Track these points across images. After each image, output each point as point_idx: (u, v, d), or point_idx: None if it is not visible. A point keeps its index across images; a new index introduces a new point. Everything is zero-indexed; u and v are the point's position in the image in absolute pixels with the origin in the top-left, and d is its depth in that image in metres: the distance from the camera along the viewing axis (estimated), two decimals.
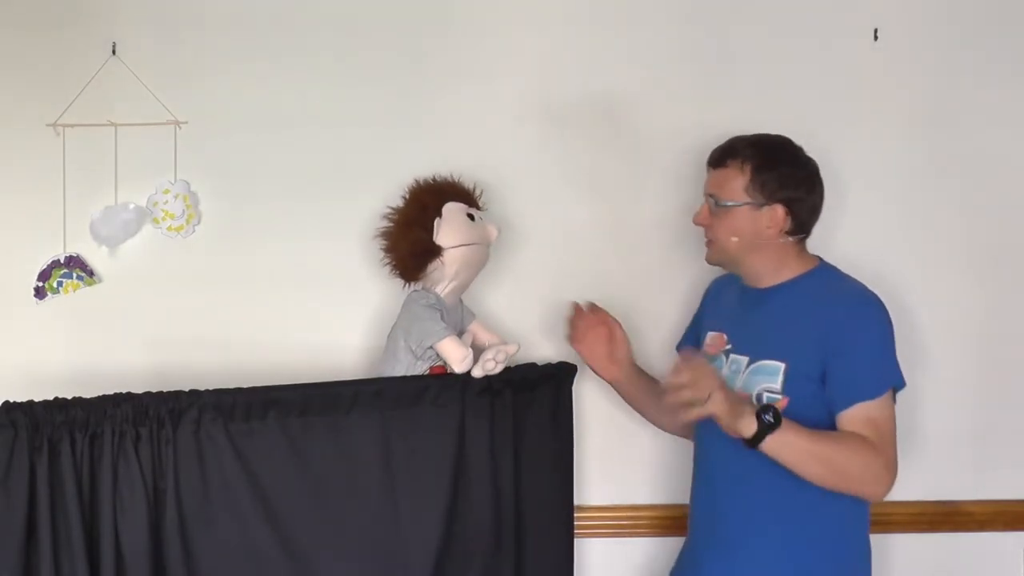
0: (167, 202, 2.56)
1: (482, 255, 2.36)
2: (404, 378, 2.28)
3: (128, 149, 2.55)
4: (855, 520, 2.19)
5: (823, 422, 2.09)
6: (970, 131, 2.66)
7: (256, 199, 2.59)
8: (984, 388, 2.66)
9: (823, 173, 2.63)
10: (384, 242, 2.35)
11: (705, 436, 2.23)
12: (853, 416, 2.07)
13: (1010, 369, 2.67)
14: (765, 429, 2.00)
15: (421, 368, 2.29)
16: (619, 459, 2.56)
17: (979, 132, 2.66)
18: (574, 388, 2.43)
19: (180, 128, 2.56)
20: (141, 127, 2.54)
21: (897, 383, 2.13)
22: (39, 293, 2.55)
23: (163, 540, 2.07)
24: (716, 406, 2.00)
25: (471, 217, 2.34)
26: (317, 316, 2.57)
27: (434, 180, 2.38)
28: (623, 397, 2.43)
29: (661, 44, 2.64)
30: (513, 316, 2.59)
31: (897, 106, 2.65)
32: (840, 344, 2.08)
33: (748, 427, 2.00)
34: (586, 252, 2.62)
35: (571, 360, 2.44)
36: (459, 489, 2.24)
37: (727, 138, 2.27)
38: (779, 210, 2.15)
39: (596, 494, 2.59)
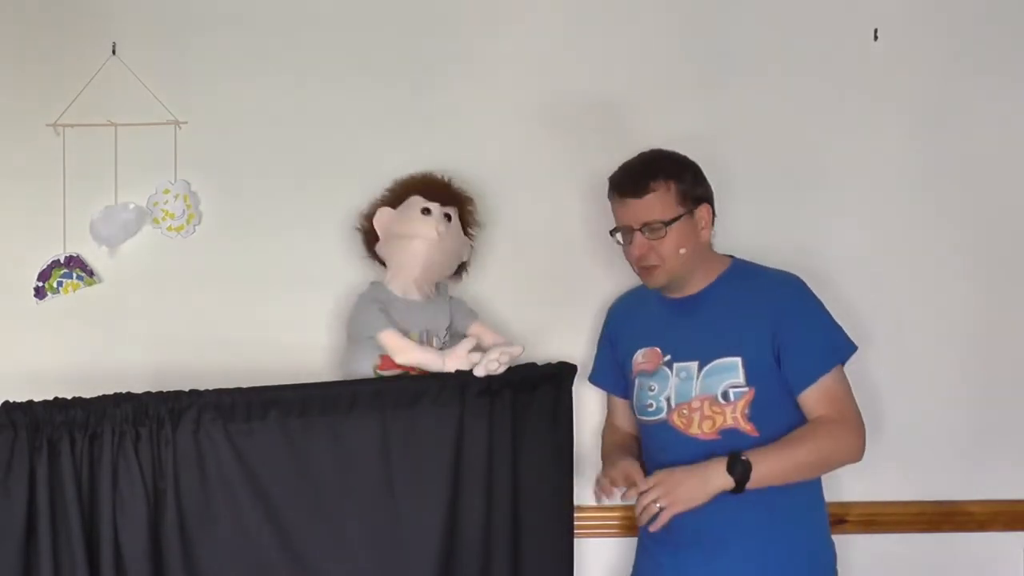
0: (167, 202, 2.56)
1: (428, 251, 2.35)
2: (404, 378, 2.28)
3: (128, 149, 2.55)
4: (821, 517, 2.30)
5: (788, 402, 2.21)
6: (970, 131, 2.66)
7: (256, 199, 2.59)
8: (984, 388, 2.66)
9: (822, 173, 2.66)
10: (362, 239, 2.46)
11: (672, 442, 2.25)
12: (814, 393, 2.19)
13: (1010, 369, 2.67)
14: (743, 478, 2.11)
15: (368, 356, 2.30)
16: None
17: (979, 132, 2.66)
18: (574, 388, 2.43)
19: (180, 128, 2.56)
20: (141, 127, 2.54)
21: (848, 349, 2.25)
22: (39, 293, 2.55)
23: (162, 540, 2.07)
24: (683, 506, 2.13)
25: (427, 211, 2.35)
26: (318, 316, 2.57)
27: (410, 176, 2.45)
28: None
29: (661, 44, 2.64)
30: (512, 316, 2.58)
31: (897, 106, 2.65)
32: (789, 328, 2.20)
33: (726, 485, 2.12)
34: (586, 252, 2.61)
35: (571, 360, 2.43)
36: (458, 489, 2.24)
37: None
38: (704, 208, 2.26)
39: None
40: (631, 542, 2.60)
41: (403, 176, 2.45)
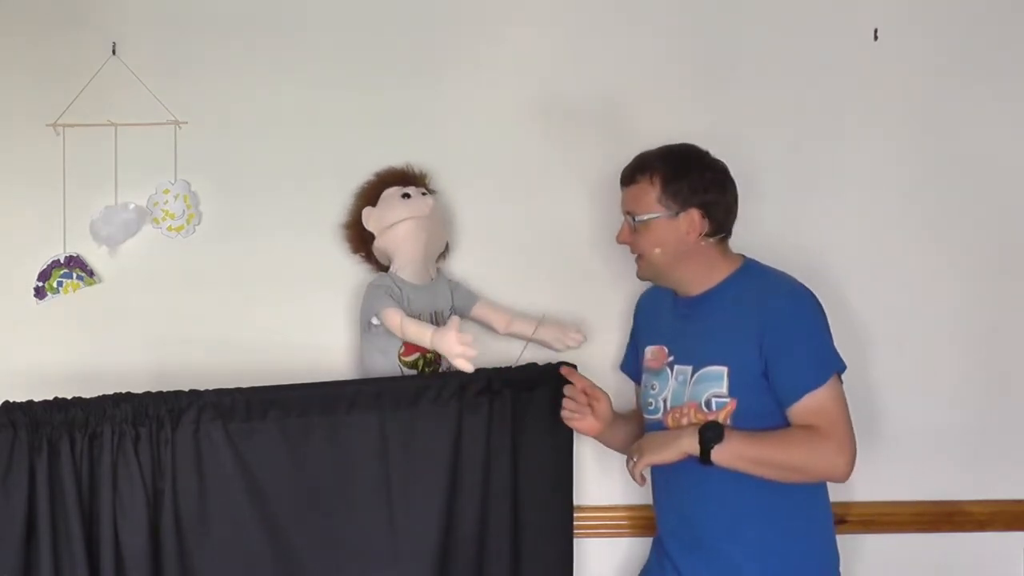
0: (167, 202, 2.56)
1: (423, 228, 2.40)
2: (403, 378, 2.29)
3: (128, 149, 2.55)
4: (826, 520, 2.26)
5: (775, 415, 2.15)
6: (970, 131, 2.65)
7: (256, 199, 2.59)
8: (984, 388, 2.66)
9: (822, 173, 2.65)
10: (347, 245, 2.51)
11: None
12: (801, 409, 2.13)
13: (1010, 369, 2.66)
14: (707, 445, 2.09)
15: (389, 349, 2.33)
16: (618, 459, 2.55)
17: (978, 132, 2.65)
18: None
19: (180, 128, 2.56)
20: (141, 127, 2.54)
21: (836, 367, 2.17)
22: (39, 293, 2.55)
23: (162, 540, 2.08)
24: (650, 456, 2.16)
25: (407, 196, 2.41)
26: (318, 316, 2.57)
27: (375, 176, 2.50)
28: (606, 444, 2.44)
29: (661, 44, 2.64)
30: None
31: (897, 106, 2.65)
32: (777, 341, 2.14)
33: (692, 448, 2.11)
34: (586, 252, 2.61)
35: (570, 359, 2.43)
36: (457, 489, 2.25)
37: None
38: (695, 214, 2.19)
39: (595, 494, 2.59)
40: (631, 542, 2.61)
41: (363, 184, 2.49)
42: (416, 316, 2.33)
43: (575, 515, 2.45)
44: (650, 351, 2.33)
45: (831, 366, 2.16)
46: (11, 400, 2.03)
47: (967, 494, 2.65)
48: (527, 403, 2.34)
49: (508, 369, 2.33)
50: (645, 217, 2.21)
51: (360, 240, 2.47)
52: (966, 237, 2.66)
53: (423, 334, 2.23)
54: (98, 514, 2.04)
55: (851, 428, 2.14)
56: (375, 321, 2.33)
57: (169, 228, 2.57)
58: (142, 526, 2.06)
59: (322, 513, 2.18)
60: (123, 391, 2.10)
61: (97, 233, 2.54)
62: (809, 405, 2.12)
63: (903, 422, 2.62)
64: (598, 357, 2.55)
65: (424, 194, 2.44)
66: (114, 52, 2.55)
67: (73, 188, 2.55)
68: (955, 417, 2.65)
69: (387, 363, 2.35)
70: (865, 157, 2.64)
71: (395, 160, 2.53)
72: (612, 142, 2.61)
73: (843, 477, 2.14)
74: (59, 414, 2.03)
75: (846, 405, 2.15)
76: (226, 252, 2.59)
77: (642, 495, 2.61)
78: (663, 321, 2.33)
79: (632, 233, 2.25)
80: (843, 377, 2.18)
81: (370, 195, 2.47)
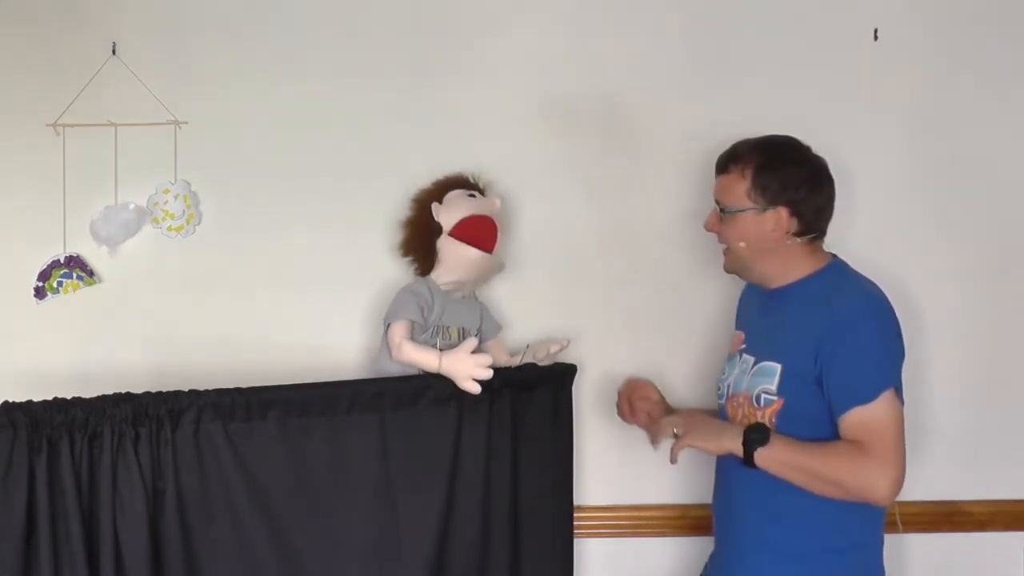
0: (167, 202, 2.56)
1: (483, 262, 2.37)
2: (403, 378, 2.28)
3: (128, 149, 2.55)
4: (868, 519, 2.18)
5: (822, 421, 2.09)
6: (970, 131, 2.66)
7: (256, 199, 2.59)
8: (984, 388, 2.66)
9: None
10: (401, 248, 2.46)
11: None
12: (850, 420, 2.05)
13: (1011, 369, 2.67)
14: (751, 447, 2.05)
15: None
16: (619, 459, 2.56)
17: (979, 132, 2.66)
18: (574, 388, 2.44)
19: (180, 128, 2.56)
20: (141, 127, 2.54)
21: (893, 385, 2.08)
22: (39, 293, 2.55)
23: (162, 540, 2.07)
24: (692, 439, 2.12)
25: (473, 196, 2.40)
26: (317, 316, 2.57)
27: (434, 183, 2.45)
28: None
29: (661, 44, 2.64)
30: (512, 316, 2.59)
31: (897, 106, 2.65)
32: (834, 348, 2.06)
33: (735, 447, 2.07)
34: (588, 252, 2.62)
35: (572, 361, 2.44)
36: (457, 489, 2.24)
37: (729, 138, 2.27)
38: (783, 212, 2.14)
39: (596, 494, 2.59)
40: (631, 542, 2.62)
41: (421, 189, 2.45)
42: (444, 328, 2.33)
43: (575, 515, 2.45)
44: (735, 336, 2.33)
45: (884, 382, 2.06)
46: (11, 400, 2.03)
47: (967, 494, 2.66)
48: (527, 403, 2.34)
49: (508, 369, 2.33)
50: (733, 209, 2.17)
51: (421, 237, 2.39)
52: (965, 237, 2.66)
53: (427, 360, 2.22)
54: (98, 514, 2.04)
55: (901, 450, 2.04)
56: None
57: (169, 228, 2.57)
58: (142, 526, 2.05)
59: (322, 513, 2.18)
60: (123, 391, 2.10)
61: (97, 233, 2.54)
62: (857, 419, 2.04)
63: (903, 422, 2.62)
64: (599, 357, 2.55)
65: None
66: (114, 52, 2.55)
67: (73, 188, 2.55)
68: (955, 417, 2.65)
69: (396, 364, 2.31)
70: (865, 157, 2.64)
71: (395, 159, 2.54)
72: (613, 142, 2.61)
73: (883, 499, 2.05)
74: (59, 414, 2.02)
75: (900, 425, 2.05)
76: (226, 252, 2.59)
77: (643, 496, 2.62)
78: (751, 310, 2.33)
79: (719, 223, 2.22)
80: None
81: (431, 197, 2.42)
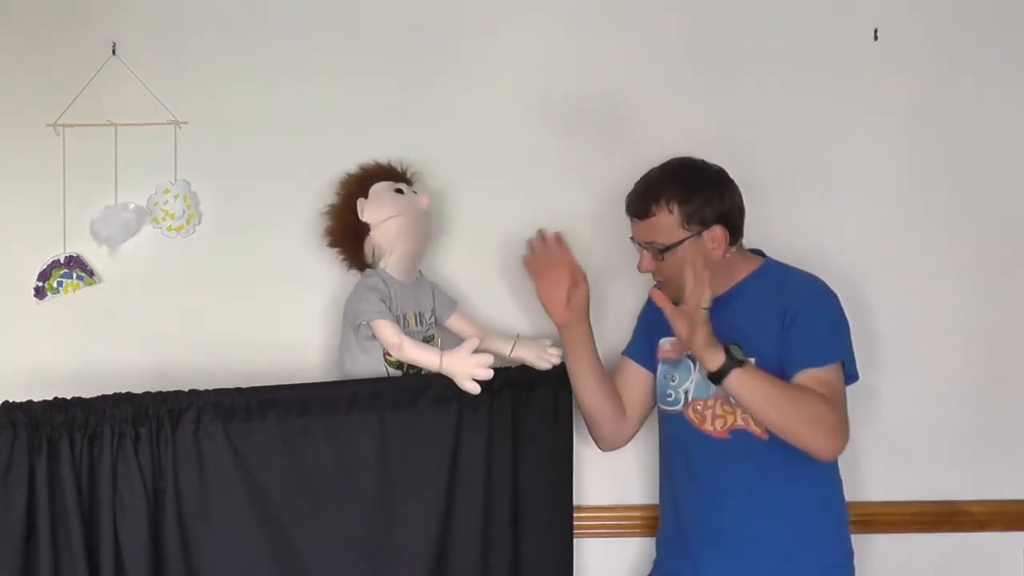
0: (167, 202, 2.56)
1: (417, 225, 2.39)
2: (403, 378, 2.29)
3: (128, 149, 2.55)
4: (842, 518, 2.28)
5: None
6: (970, 131, 2.66)
7: (256, 199, 2.59)
8: (984, 388, 2.66)
9: (822, 173, 2.65)
10: (328, 238, 2.44)
11: (685, 435, 2.27)
12: (804, 378, 2.13)
13: (1010, 369, 2.67)
14: (731, 363, 2.07)
15: (373, 350, 2.29)
16: (618, 459, 2.56)
17: (979, 132, 2.66)
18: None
19: (180, 128, 2.56)
20: (141, 127, 2.54)
21: (845, 358, 2.18)
22: (39, 293, 2.55)
23: (162, 540, 2.08)
24: (698, 333, 2.08)
25: (399, 191, 2.39)
26: (317, 316, 2.57)
27: (360, 169, 2.45)
28: (566, 349, 2.37)
29: (661, 44, 2.64)
30: (510, 316, 2.59)
31: (897, 106, 2.65)
32: (793, 322, 2.15)
33: (716, 359, 2.07)
34: (585, 252, 2.61)
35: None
36: (457, 489, 2.25)
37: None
38: (717, 230, 2.21)
39: (595, 494, 2.59)
40: (631, 542, 2.61)
41: (345, 176, 2.44)
42: (400, 316, 2.32)
43: (575, 515, 2.44)
44: (668, 342, 2.33)
45: (839, 352, 2.18)
46: (11, 400, 2.03)
47: (967, 494, 2.66)
48: (527, 403, 2.34)
49: (507, 369, 2.33)
50: (670, 244, 2.20)
51: (347, 232, 2.40)
52: (965, 237, 2.66)
53: (429, 359, 2.22)
54: (98, 514, 2.04)
55: (847, 419, 2.15)
56: (364, 325, 2.29)
57: (169, 228, 2.57)
58: (142, 526, 2.05)
59: (322, 513, 2.18)
60: (123, 391, 2.10)
61: (97, 233, 2.54)
62: (811, 376, 2.13)
63: (903, 422, 2.62)
64: (600, 357, 2.55)
65: (415, 192, 2.43)
66: (114, 52, 2.55)
67: (73, 188, 2.54)
68: (955, 417, 2.65)
69: (371, 362, 2.31)
70: (865, 157, 2.64)
71: (395, 159, 2.53)
72: (613, 142, 2.61)
73: (830, 453, 2.15)
74: (59, 414, 2.02)
75: (845, 396, 2.17)
76: (226, 252, 2.59)
77: (642, 496, 2.62)
78: None
79: (656, 262, 2.24)
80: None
81: (356, 187, 2.41)
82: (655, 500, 2.59)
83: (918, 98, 2.66)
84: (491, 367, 2.20)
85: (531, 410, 2.34)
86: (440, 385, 2.24)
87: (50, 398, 2.05)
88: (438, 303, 2.47)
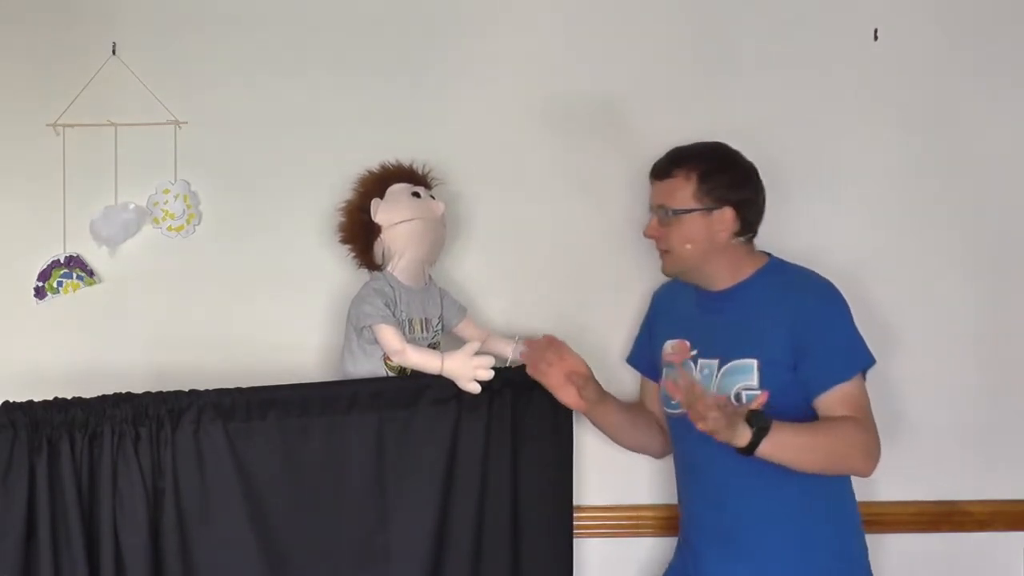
0: (167, 202, 2.56)
1: (430, 230, 2.37)
2: (403, 378, 2.29)
3: (128, 149, 2.55)
4: (854, 515, 2.26)
5: (800, 407, 2.14)
6: (970, 131, 2.65)
7: (256, 199, 2.59)
8: (984, 388, 2.66)
9: (822, 173, 2.65)
10: (340, 233, 2.43)
11: (702, 446, 2.23)
12: (832, 398, 2.12)
13: (1010, 368, 2.66)
14: (758, 436, 2.02)
15: (374, 353, 2.29)
16: (618, 459, 2.56)
17: (979, 132, 2.65)
18: None
19: (180, 128, 2.56)
20: (141, 127, 2.54)
21: (868, 362, 2.19)
22: (39, 293, 2.55)
23: (162, 539, 2.08)
24: (714, 423, 2.00)
25: (416, 195, 2.37)
26: (317, 316, 2.57)
27: (380, 167, 2.43)
28: (594, 424, 2.41)
29: (660, 44, 2.64)
30: (510, 316, 2.59)
31: (897, 106, 2.65)
32: (810, 332, 2.14)
33: (742, 437, 2.02)
34: (585, 252, 2.62)
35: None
36: (456, 489, 2.25)
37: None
38: (728, 212, 2.20)
39: (595, 494, 2.59)
40: (631, 542, 2.61)
41: (366, 173, 2.42)
42: (406, 321, 2.31)
43: (575, 515, 2.44)
44: (671, 345, 2.32)
45: (861, 359, 2.18)
46: (11, 400, 2.03)
47: (967, 494, 2.65)
48: (527, 403, 2.34)
49: (507, 369, 2.33)
50: (679, 209, 2.20)
51: (358, 231, 2.39)
52: (965, 237, 2.66)
53: (431, 363, 2.23)
54: (98, 514, 2.04)
55: (875, 424, 2.15)
56: (367, 328, 2.29)
57: (169, 228, 2.57)
58: (142, 526, 2.06)
59: (322, 513, 2.18)
60: (123, 391, 2.10)
61: (97, 233, 2.54)
62: (840, 396, 2.12)
63: (903, 422, 2.62)
64: (602, 358, 2.55)
65: (432, 197, 2.41)
66: (114, 52, 2.55)
67: (73, 188, 2.54)
68: (956, 417, 2.65)
69: (371, 365, 2.31)
70: (865, 157, 2.64)
71: (395, 160, 2.53)
72: (613, 141, 2.61)
73: (870, 471, 2.14)
74: (59, 414, 2.03)
75: (869, 401, 2.16)
76: (226, 252, 2.59)
77: (642, 496, 2.62)
78: (685, 315, 2.32)
79: (662, 227, 2.24)
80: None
81: (374, 186, 2.40)
82: (655, 500, 2.60)
83: (918, 98, 2.66)
84: (492, 367, 2.20)
85: (531, 410, 2.34)
86: (440, 385, 2.24)
87: (50, 398, 2.05)
88: (447, 310, 2.46)
